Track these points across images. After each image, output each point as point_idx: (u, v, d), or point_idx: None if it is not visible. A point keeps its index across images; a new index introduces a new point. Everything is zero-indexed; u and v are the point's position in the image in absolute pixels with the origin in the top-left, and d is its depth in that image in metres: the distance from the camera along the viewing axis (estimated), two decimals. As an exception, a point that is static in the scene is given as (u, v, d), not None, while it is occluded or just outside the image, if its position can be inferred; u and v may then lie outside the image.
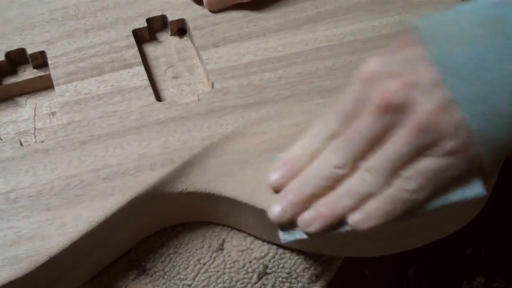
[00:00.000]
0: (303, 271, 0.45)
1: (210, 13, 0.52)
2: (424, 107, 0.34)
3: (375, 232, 0.36)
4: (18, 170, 0.43)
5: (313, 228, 0.37)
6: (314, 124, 0.40)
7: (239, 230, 0.47)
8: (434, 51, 0.35)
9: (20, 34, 0.50)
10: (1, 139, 0.46)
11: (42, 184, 0.42)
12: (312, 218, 0.37)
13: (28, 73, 0.50)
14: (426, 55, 0.35)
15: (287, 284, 0.45)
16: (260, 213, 0.42)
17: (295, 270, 0.45)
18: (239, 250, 0.46)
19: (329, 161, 0.37)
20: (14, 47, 0.49)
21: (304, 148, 0.40)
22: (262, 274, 0.45)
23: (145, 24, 0.51)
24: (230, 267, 0.45)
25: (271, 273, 0.45)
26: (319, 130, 0.39)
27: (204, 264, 0.45)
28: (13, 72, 0.50)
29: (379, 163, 0.36)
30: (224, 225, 0.47)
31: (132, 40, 0.50)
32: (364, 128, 0.36)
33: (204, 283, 0.45)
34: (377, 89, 0.36)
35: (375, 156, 0.36)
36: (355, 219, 0.36)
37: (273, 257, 0.46)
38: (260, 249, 0.46)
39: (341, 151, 0.37)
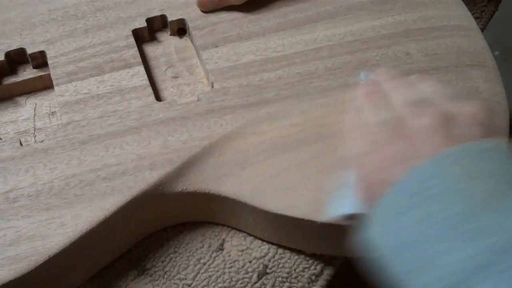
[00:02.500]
0: (303, 271, 0.45)
1: (210, 13, 0.52)
2: None
3: None
4: (18, 170, 0.43)
5: None
6: None
7: (239, 230, 0.47)
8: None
9: (20, 34, 0.50)
10: (1, 139, 0.46)
11: (41, 184, 0.42)
12: None
13: (28, 73, 0.50)
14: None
15: (287, 284, 0.45)
16: (260, 213, 0.42)
17: (295, 270, 0.45)
18: (239, 250, 0.46)
19: None
20: (14, 47, 0.49)
21: None
22: (262, 274, 0.45)
23: (145, 24, 0.51)
24: (230, 267, 0.45)
25: (271, 273, 0.45)
26: None
27: (204, 264, 0.45)
28: (13, 72, 0.50)
29: None
30: (224, 225, 0.47)
31: (132, 40, 0.50)
32: None
33: (204, 282, 0.45)
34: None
35: None
36: None
37: (273, 257, 0.46)
38: (260, 249, 0.46)
39: None
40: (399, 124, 0.37)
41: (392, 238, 0.32)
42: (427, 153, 0.34)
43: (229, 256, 0.46)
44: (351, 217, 0.38)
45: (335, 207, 0.40)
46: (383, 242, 0.33)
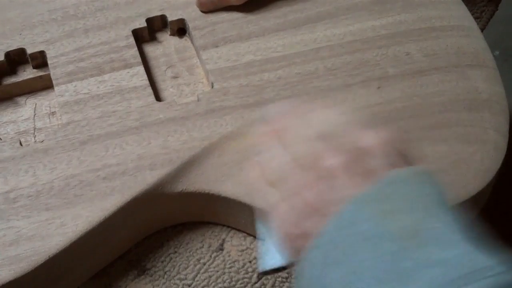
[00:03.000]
0: (303, 271, 0.45)
1: (210, 13, 0.52)
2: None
3: None
4: (18, 170, 0.43)
5: None
6: None
7: (239, 230, 0.47)
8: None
9: (20, 34, 0.50)
10: (1, 139, 0.46)
11: (41, 184, 0.42)
12: None
13: (28, 73, 0.50)
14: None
15: (287, 284, 0.45)
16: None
17: (295, 270, 0.45)
18: (239, 250, 0.46)
19: None
20: (14, 47, 0.49)
21: None
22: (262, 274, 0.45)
23: (145, 24, 0.51)
24: (230, 267, 0.45)
25: (271, 273, 0.45)
26: None
27: (204, 264, 0.45)
28: (13, 72, 0.50)
29: None
30: (224, 225, 0.47)
31: (132, 40, 0.50)
32: None
33: (204, 283, 0.45)
34: None
35: None
36: None
37: (273, 257, 0.46)
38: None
39: None
40: (306, 164, 0.35)
41: None
42: (347, 195, 0.32)
43: (229, 256, 0.46)
44: (282, 268, 0.37)
45: (264, 261, 0.39)
46: None
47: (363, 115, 0.43)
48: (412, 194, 0.31)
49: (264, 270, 0.39)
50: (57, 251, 0.39)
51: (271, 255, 0.38)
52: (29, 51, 0.49)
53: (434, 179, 0.33)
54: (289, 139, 0.37)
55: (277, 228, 0.35)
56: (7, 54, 0.49)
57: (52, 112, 0.48)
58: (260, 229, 0.39)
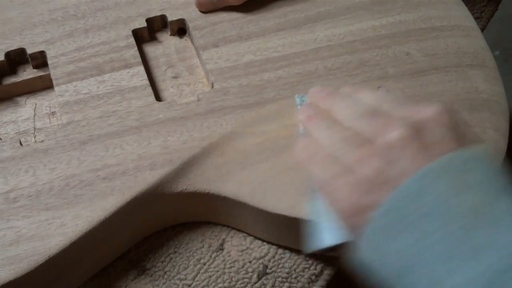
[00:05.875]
0: (303, 271, 0.45)
1: (210, 13, 0.52)
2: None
3: None
4: (18, 170, 0.43)
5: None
6: None
7: (239, 230, 0.47)
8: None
9: (20, 34, 0.50)
10: (1, 139, 0.46)
11: (41, 184, 0.42)
12: None
13: (28, 73, 0.50)
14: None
15: (287, 284, 0.45)
16: (260, 213, 0.42)
17: (295, 270, 0.45)
18: (239, 250, 0.46)
19: None
20: (14, 47, 0.49)
21: None
22: (262, 274, 0.45)
23: (145, 24, 0.51)
24: (230, 267, 0.45)
25: (271, 273, 0.45)
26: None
27: (204, 264, 0.45)
28: (13, 72, 0.50)
29: None
30: (224, 225, 0.47)
31: (132, 40, 0.50)
32: None
33: (204, 283, 0.45)
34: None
35: None
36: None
37: (273, 257, 0.46)
38: (260, 249, 0.46)
39: None
40: (363, 140, 0.35)
41: (390, 262, 0.30)
42: (408, 170, 0.31)
43: (229, 256, 0.46)
44: (336, 247, 0.37)
45: (316, 239, 0.38)
46: (381, 266, 0.31)
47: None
48: (481, 173, 0.31)
49: (316, 249, 0.38)
50: (57, 251, 0.39)
51: (325, 233, 0.37)
52: (29, 51, 0.49)
53: (496, 161, 0.33)
54: (339, 119, 0.37)
55: (334, 204, 0.35)
56: (7, 54, 0.49)
57: (52, 112, 0.48)
58: (312, 207, 0.38)
